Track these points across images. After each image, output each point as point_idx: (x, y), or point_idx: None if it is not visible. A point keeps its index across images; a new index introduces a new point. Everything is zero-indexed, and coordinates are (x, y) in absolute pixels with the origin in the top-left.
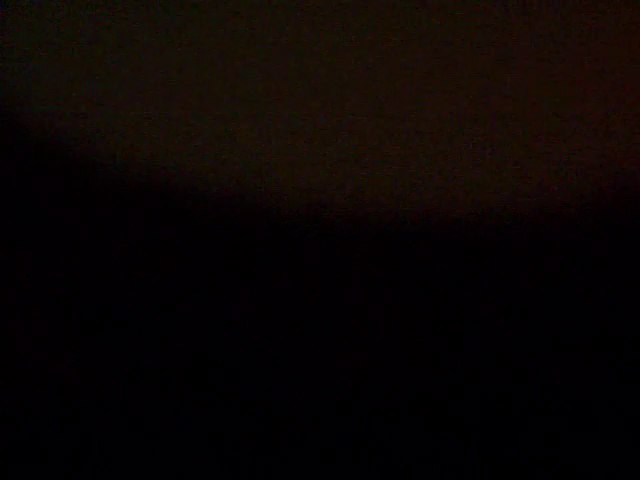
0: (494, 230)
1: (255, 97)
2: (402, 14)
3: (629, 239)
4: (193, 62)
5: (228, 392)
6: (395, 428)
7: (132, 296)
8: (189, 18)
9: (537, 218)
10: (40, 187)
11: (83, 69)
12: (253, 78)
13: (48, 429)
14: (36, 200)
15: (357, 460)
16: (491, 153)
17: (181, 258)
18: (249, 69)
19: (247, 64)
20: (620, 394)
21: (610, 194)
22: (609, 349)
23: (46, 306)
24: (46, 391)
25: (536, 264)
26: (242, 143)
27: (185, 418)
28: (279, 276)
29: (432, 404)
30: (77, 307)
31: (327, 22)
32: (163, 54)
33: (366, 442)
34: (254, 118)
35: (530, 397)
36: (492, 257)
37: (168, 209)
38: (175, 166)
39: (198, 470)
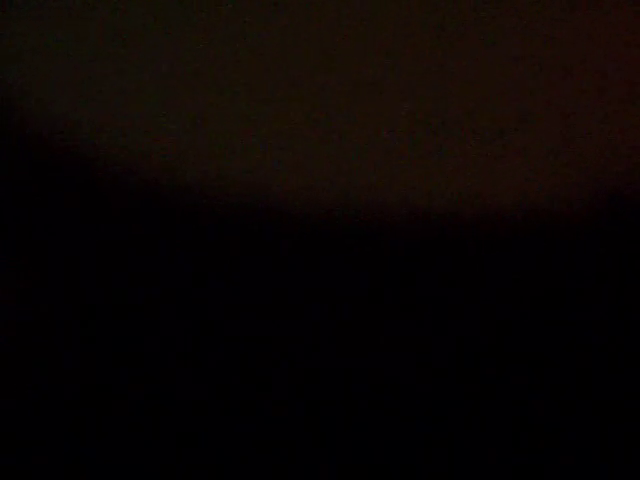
0: (494, 230)
1: (257, 97)
2: (400, 13)
3: (629, 240)
4: (195, 62)
5: (227, 391)
6: (394, 430)
7: (132, 295)
8: (192, 18)
9: (536, 218)
10: (41, 186)
11: (86, 69)
12: (255, 78)
13: (48, 428)
14: (36, 199)
15: (356, 460)
16: (491, 153)
17: (182, 258)
18: (251, 69)
19: (249, 64)
20: (622, 395)
21: (610, 194)
22: (609, 349)
23: (46, 305)
24: (45, 390)
25: (535, 264)
26: (243, 144)
27: (185, 417)
28: (280, 275)
29: (432, 404)
30: (77, 306)
31: (328, 22)
32: (165, 54)
33: (364, 442)
34: (256, 118)
35: (531, 399)
36: (492, 256)
37: (170, 209)
38: (176, 166)
39: (198, 469)
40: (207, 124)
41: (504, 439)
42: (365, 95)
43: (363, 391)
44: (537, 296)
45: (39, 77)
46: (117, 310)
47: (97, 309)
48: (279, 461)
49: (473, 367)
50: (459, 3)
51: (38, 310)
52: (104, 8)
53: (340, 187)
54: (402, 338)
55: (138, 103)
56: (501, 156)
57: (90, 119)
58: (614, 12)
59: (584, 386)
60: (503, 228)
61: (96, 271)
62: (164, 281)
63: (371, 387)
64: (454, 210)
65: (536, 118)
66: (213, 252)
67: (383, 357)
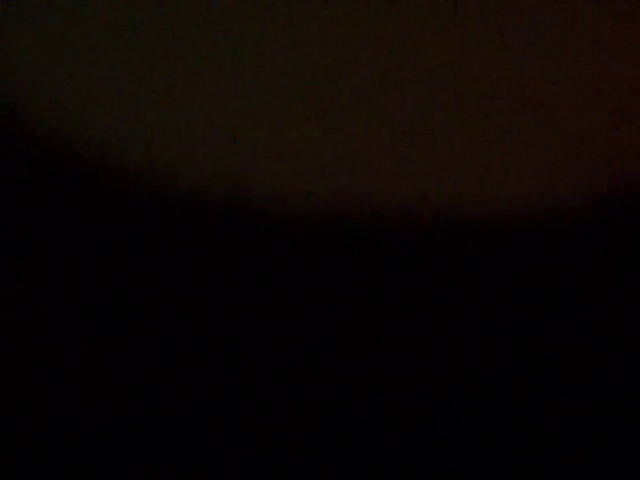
0: (494, 230)
1: (258, 97)
2: (400, 12)
3: (629, 240)
4: (195, 62)
5: (227, 391)
6: (394, 430)
7: (132, 295)
8: (190, 18)
9: (537, 218)
10: (41, 186)
11: (86, 69)
12: (256, 78)
13: (48, 428)
14: (36, 199)
15: (355, 462)
16: (491, 153)
17: (182, 258)
18: (252, 69)
19: (250, 64)
20: (622, 395)
21: (610, 194)
22: (610, 349)
23: (46, 305)
24: (45, 390)
25: (536, 264)
26: (243, 144)
27: (185, 417)
28: (280, 275)
29: (432, 404)
30: (77, 306)
31: (328, 22)
32: (166, 54)
33: (364, 442)
34: (256, 118)
35: (531, 399)
36: (492, 256)
37: (170, 209)
38: (177, 166)
39: (198, 469)
40: (207, 124)
41: (504, 439)
42: (365, 95)
43: (363, 391)
44: (537, 296)
45: (39, 77)
46: (117, 310)
47: (97, 309)
48: (279, 461)
49: (473, 367)
50: (460, 1)
51: (38, 310)
52: (105, 8)
53: (340, 187)
54: (402, 338)
55: (139, 103)
56: (501, 156)
57: (90, 119)
58: (614, 12)
59: (584, 386)
60: (503, 228)
61: (96, 271)
62: (164, 281)
63: (371, 387)
64: (454, 210)
65: (536, 118)
66: (213, 252)
67: (383, 357)
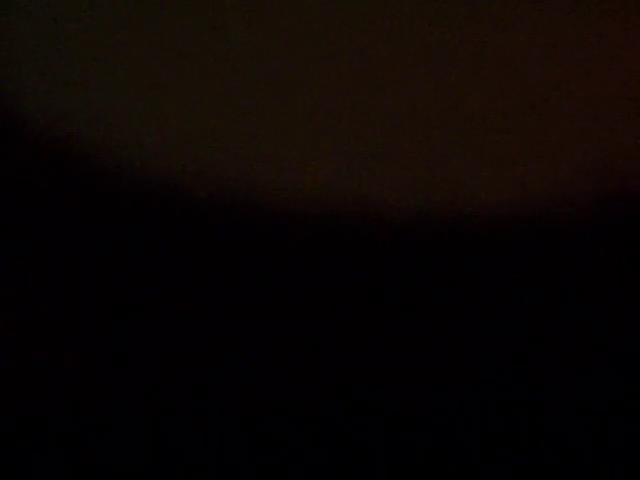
0: (494, 230)
1: (258, 97)
2: (399, 13)
3: (629, 240)
4: (195, 61)
5: (227, 391)
6: (394, 430)
7: (132, 295)
8: (189, 18)
9: (537, 218)
10: (41, 186)
11: (87, 69)
12: (255, 78)
13: (48, 428)
14: (36, 199)
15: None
16: (491, 153)
17: (182, 258)
18: (251, 68)
19: (250, 65)
20: (622, 395)
21: (611, 194)
22: (610, 349)
23: (46, 305)
24: (45, 390)
25: (536, 264)
26: (243, 143)
27: (185, 417)
28: (280, 275)
29: (432, 405)
30: (77, 306)
31: (328, 21)
32: (165, 53)
33: (363, 443)
34: (256, 119)
35: (531, 399)
36: (492, 256)
37: (170, 209)
38: (177, 166)
39: (198, 470)
40: (207, 124)
41: (504, 439)
42: (364, 95)
43: (363, 391)
44: (537, 296)
45: (39, 77)
46: (117, 310)
47: (97, 309)
48: (279, 461)
49: (473, 367)
50: (460, 3)
51: (38, 310)
52: (105, 8)
53: (340, 187)
54: (402, 338)
55: (140, 103)
56: (501, 156)
57: (91, 119)
58: (614, 12)
59: (584, 386)
60: (503, 228)
61: (96, 271)
62: (164, 281)
63: (371, 387)
64: (454, 210)
65: (536, 118)
66: (213, 252)
67: (383, 357)
